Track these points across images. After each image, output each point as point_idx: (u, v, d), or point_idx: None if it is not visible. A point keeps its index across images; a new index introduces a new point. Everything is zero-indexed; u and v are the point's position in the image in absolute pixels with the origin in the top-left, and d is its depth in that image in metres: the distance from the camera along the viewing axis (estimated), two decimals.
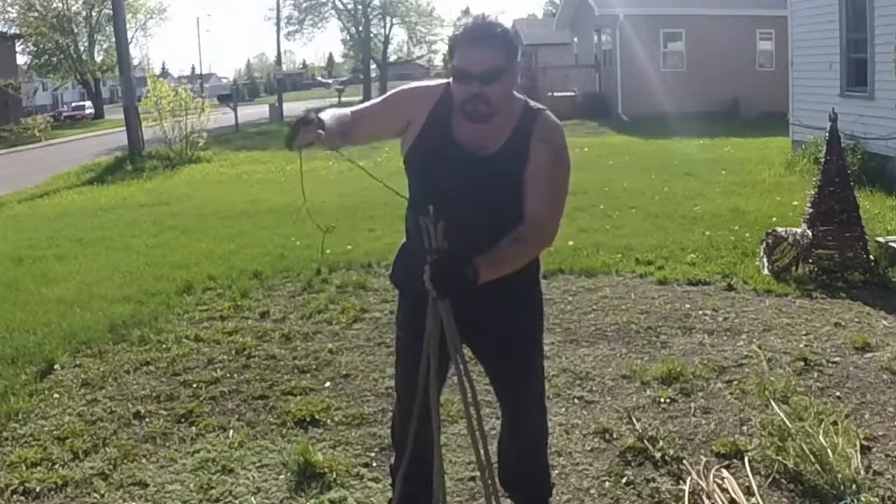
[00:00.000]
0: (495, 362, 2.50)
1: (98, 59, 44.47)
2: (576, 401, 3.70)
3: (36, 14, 41.09)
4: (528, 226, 2.19)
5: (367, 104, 2.37)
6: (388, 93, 2.41)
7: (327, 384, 3.99)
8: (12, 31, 40.56)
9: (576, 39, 28.36)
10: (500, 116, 2.19)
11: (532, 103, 2.29)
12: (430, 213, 2.06)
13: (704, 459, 3.05)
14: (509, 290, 2.29)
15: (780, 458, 2.97)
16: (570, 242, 6.61)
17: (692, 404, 3.60)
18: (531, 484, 2.61)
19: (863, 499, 2.67)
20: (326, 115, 2.13)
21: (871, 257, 5.60)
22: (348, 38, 52.23)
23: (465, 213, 2.13)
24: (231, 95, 36.97)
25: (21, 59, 43.63)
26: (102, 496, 2.99)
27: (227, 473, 3.12)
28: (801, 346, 4.29)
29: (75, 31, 43.41)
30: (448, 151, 2.23)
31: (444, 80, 2.32)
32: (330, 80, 79.60)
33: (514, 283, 2.27)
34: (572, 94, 24.75)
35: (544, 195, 2.20)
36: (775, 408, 3.33)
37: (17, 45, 41.38)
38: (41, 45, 42.50)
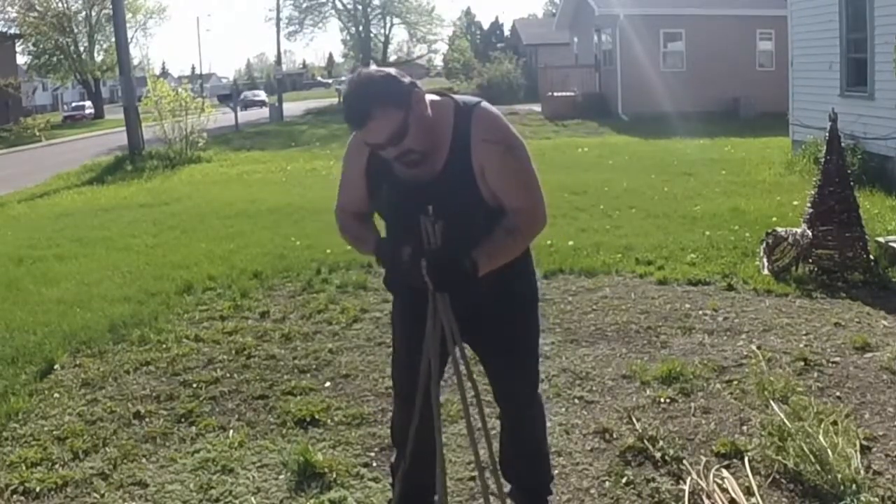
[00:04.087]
0: (493, 359, 2.52)
1: (98, 58, 44.48)
2: (576, 401, 3.70)
3: (36, 14, 41.09)
4: (516, 217, 2.17)
5: (347, 200, 2.41)
6: (342, 169, 2.40)
7: (327, 384, 3.99)
8: (12, 31, 40.59)
9: (576, 39, 28.36)
10: (436, 138, 2.14)
11: (463, 101, 2.21)
12: (430, 212, 2.06)
13: (704, 459, 3.05)
14: (505, 288, 2.29)
15: (780, 458, 2.97)
16: (570, 242, 6.61)
17: (692, 404, 3.60)
18: (531, 476, 2.63)
19: (863, 499, 2.67)
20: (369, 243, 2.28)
21: (871, 257, 5.60)
22: (348, 37, 52.31)
23: (443, 228, 2.11)
24: (231, 95, 36.94)
25: (21, 59, 43.74)
26: (102, 496, 2.99)
27: (227, 473, 3.12)
28: (801, 346, 4.29)
29: (75, 30, 43.41)
30: (397, 188, 2.21)
31: None
32: (330, 80, 79.62)
33: (509, 280, 2.27)
34: (572, 94, 24.75)
35: (518, 189, 2.18)
36: (775, 408, 3.32)
37: (17, 45, 41.41)
38: (41, 45, 42.52)
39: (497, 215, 2.17)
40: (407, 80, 2.08)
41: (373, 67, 2.10)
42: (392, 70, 2.10)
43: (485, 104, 2.21)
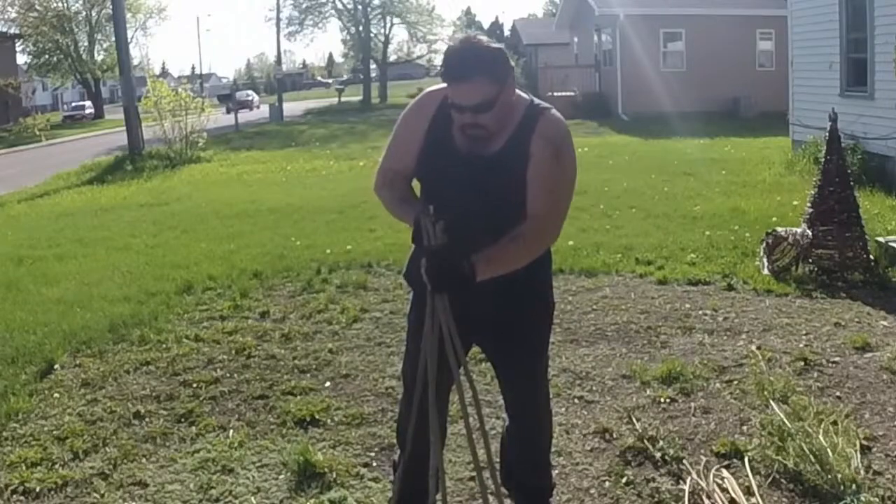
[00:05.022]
0: (502, 364, 2.52)
1: (98, 58, 44.48)
2: (576, 401, 3.70)
3: (36, 14, 41.07)
4: (528, 223, 2.18)
5: (396, 160, 2.35)
6: (395, 129, 2.38)
7: (327, 384, 3.99)
8: (12, 31, 40.57)
9: (576, 39, 28.37)
10: (504, 123, 2.20)
11: (537, 102, 2.28)
12: (430, 212, 2.06)
13: (704, 459, 3.05)
14: (519, 294, 2.29)
15: (780, 458, 2.97)
16: (570, 242, 6.61)
17: (692, 404, 3.60)
18: (532, 483, 2.62)
19: (863, 499, 2.67)
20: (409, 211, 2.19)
21: (871, 257, 5.60)
22: (348, 37, 52.26)
23: (471, 213, 2.13)
24: (231, 95, 36.87)
25: (21, 59, 43.70)
26: (102, 496, 2.99)
27: (227, 473, 3.12)
28: (801, 346, 4.29)
29: (75, 30, 43.41)
30: (451, 157, 2.25)
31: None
32: (330, 80, 79.69)
33: (523, 286, 2.27)
34: (572, 94, 24.76)
35: (545, 193, 2.19)
36: (775, 408, 3.32)
37: (17, 45, 41.39)
38: (41, 45, 42.49)
39: (511, 225, 2.17)
40: (511, 63, 2.19)
41: (486, 38, 2.15)
42: (503, 46, 2.18)
43: (556, 111, 2.29)
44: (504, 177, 2.20)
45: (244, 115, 33.76)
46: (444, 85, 2.27)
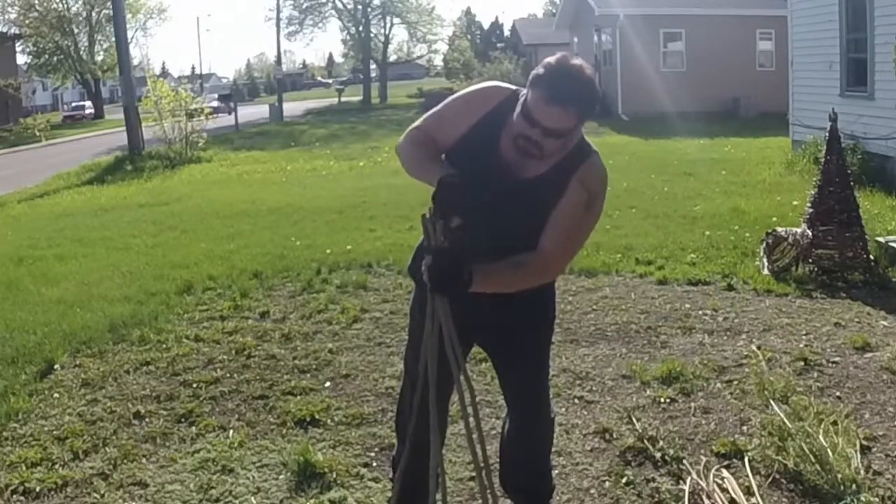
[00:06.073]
0: (503, 367, 2.52)
1: (98, 59, 44.48)
2: (576, 401, 3.70)
3: (36, 14, 41.10)
4: (534, 255, 2.17)
5: (437, 130, 2.27)
6: (449, 104, 2.31)
7: (327, 384, 3.99)
8: (12, 31, 40.58)
9: (576, 39, 28.36)
10: (553, 153, 2.16)
11: (587, 142, 2.26)
12: (429, 213, 2.06)
13: (704, 459, 3.05)
14: (521, 299, 2.28)
15: (780, 458, 2.97)
16: None
17: (692, 404, 3.60)
18: (531, 488, 2.62)
19: (863, 499, 2.67)
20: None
21: (871, 257, 5.60)
22: (348, 37, 52.29)
23: (487, 225, 2.11)
24: (231, 96, 36.72)
25: (21, 59, 43.71)
26: (102, 496, 2.99)
27: (227, 473, 3.12)
28: (801, 346, 4.29)
29: (75, 31, 43.42)
30: (487, 158, 2.20)
31: (515, 88, 2.26)
32: (330, 80, 79.72)
33: (525, 295, 2.26)
34: None
35: (562, 233, 2.18)
36: (775, 408, 3.32)
37: (17, 45, 41.41)
38: (41, 45, 42.50)
39: (520, 250, 2.17)
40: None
41: (590, 69, 2.09)
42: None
43: (600, 157, 2.29)
44: (530, 203, 2.18)
45: (220, 121, 33.11)
46: (512, 87, 2.25)
